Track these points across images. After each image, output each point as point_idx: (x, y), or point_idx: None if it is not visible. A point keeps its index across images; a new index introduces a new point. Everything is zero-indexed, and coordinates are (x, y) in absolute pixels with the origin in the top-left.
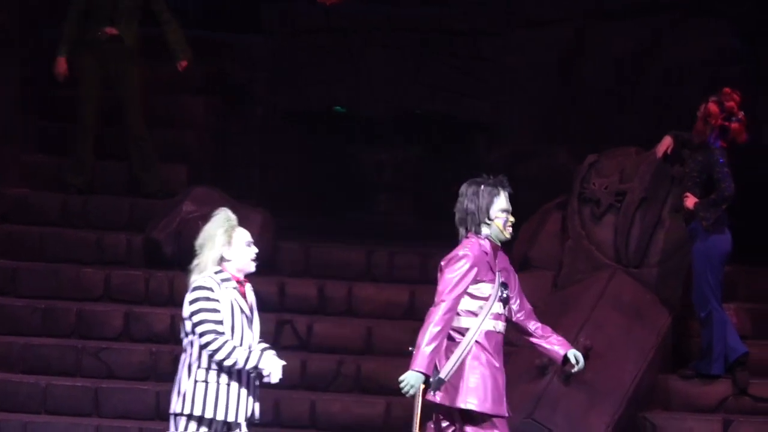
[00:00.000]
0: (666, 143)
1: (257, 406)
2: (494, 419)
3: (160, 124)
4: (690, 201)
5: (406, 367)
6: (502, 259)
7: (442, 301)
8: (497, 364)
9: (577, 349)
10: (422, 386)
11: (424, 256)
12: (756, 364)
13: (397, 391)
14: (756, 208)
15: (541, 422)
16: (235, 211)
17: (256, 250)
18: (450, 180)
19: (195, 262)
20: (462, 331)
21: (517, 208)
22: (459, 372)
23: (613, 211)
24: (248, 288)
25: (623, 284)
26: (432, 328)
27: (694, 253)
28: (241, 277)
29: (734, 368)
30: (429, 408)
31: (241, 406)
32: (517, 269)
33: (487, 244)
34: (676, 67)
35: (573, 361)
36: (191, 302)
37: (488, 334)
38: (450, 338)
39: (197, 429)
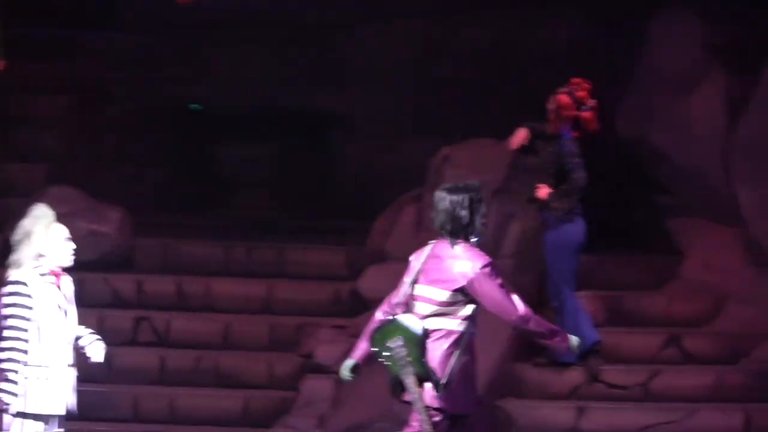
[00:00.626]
0: (520, 135)
1: (73, 399)
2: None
3: (17, 124)
4: (543, 191)
5: (263, 361)
6: None
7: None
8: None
9: None
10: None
11: (280, 250)
12: (609, 351)
13: (255, 384)
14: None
15: (399, 413)
16: (93, 209)
17: (74, 245)
18: (307, 174)
19: (12, 257)
20: (459, 336)
21: (373, 200)
22: (457, 377)
23: None
24: (65, 281)
25: None
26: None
27: (546, 243)
28: (59, 270)
29: (587, 356)
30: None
31: (56, 399)
32: (373, 260)
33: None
34: (532, 58)
35: None
36: (3, 298)
37: (473, 336)
38: (453, 344)
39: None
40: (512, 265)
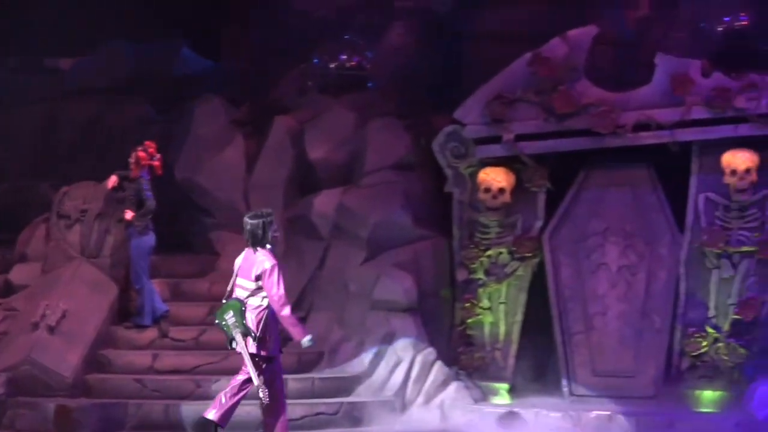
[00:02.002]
0: (113, 179)
1: None
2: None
3: None
4: (128, 214)
5: None
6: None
7: (285, 299)
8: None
9: (55, 312)
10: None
11: None
12: (173, 317)
13: None
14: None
15: (36, 359)
16: None
17: None
18: None
19: None
20: (265, 308)
21: (20, 221)
22: (265, 333)
23: (79, 223)
24: None
25: (87, 269)
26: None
27: (131, 248)
28: None
29: (159, 320)
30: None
31: None
32: (19, 260)
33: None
34: (123, 131)
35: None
36: None
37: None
38: (261, 312)
39: None
40: (110, 263)
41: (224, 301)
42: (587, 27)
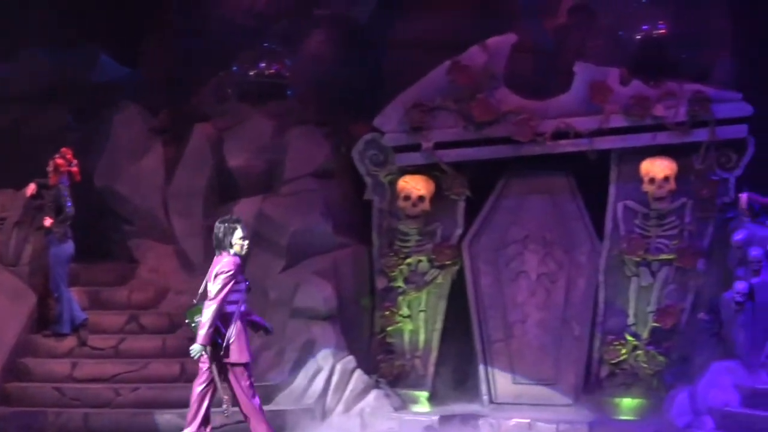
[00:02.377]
0: (31, 187)
1: None
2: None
3: None
4: (47, 221)
5: None
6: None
7: (217, 302)
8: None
9: None
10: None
11: None
12: (92, 325)
13: None
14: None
15: None
16: None
17: None
18: None
19: None
20: (230, 313)
21: None
22: (236, 337)
23: None
24: None
25: (5, 277)
26: (212, 315)
27: (50, 256)
28: None
29: (78, 329)
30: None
31: None
32: None
33: (237, 259)
34: (41, 139)
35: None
36: None
37: (242, 312)
38: (223, 318)
39: None
40: (29, 271)
41: (195, 302)
42: (506, 35)
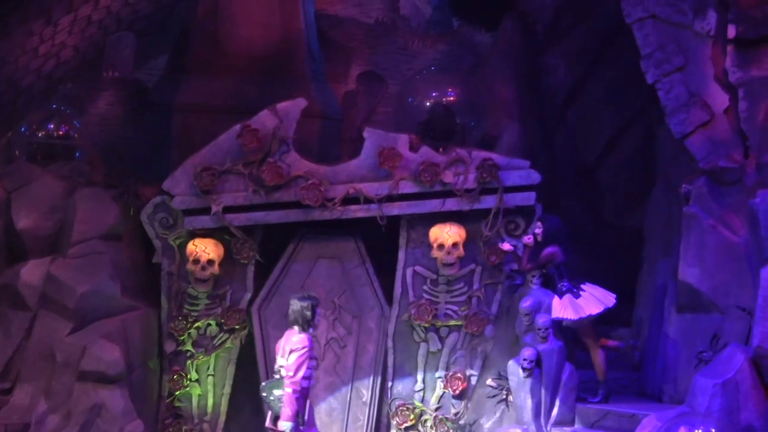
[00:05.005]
0: None
1: None
2: None
3: None
4: None
5: None
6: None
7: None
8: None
9: None
10: None
11: None
12: None
13: None
14: None
15: None
16: None
17: None
18: None
19: None
20: (305, 389)
21: None
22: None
23: None
24: None
25: None
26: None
27: None
28: None
29: None
30: None
31: None
32: None
33: (309, 336)
34: None
35: None
36: None
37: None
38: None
39: None
40: None
41: (275, 378)
42: (296, 100)
